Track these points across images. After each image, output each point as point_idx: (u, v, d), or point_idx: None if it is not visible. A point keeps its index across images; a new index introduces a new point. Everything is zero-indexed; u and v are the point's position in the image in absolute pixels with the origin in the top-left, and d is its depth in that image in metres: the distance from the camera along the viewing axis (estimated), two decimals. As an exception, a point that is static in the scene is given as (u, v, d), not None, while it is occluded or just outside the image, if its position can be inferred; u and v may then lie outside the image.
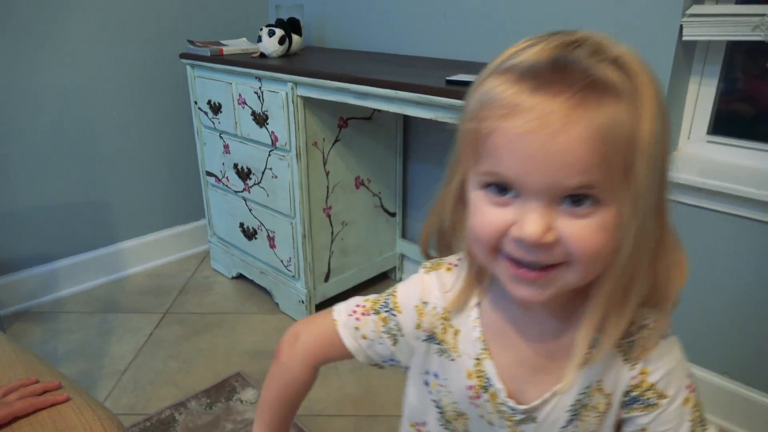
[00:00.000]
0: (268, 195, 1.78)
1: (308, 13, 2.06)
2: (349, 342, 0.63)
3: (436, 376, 0.61)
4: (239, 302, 1.99)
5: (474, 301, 0.58)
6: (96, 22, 1.88)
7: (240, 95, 1.73)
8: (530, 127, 0.42)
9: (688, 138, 1.43)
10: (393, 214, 2.00)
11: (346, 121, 1.72)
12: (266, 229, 1.84)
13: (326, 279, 1.84)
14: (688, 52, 1.32)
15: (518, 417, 0.57)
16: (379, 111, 1.80)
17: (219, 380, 1.57)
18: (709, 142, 1.41)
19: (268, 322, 1.87)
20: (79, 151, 1.95)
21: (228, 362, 1.66)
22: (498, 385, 0.56)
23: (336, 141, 1.72)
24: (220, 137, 1.89)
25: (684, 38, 1.26)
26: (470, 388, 0.58)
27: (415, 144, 1.94)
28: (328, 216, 1.78)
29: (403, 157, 1.97)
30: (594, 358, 0.52)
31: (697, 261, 1.38)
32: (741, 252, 1.28)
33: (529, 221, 0.44)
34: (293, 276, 1.81)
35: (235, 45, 1.89)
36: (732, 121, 1.41)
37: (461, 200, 0.54)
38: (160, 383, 1.58)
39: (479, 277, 0.58)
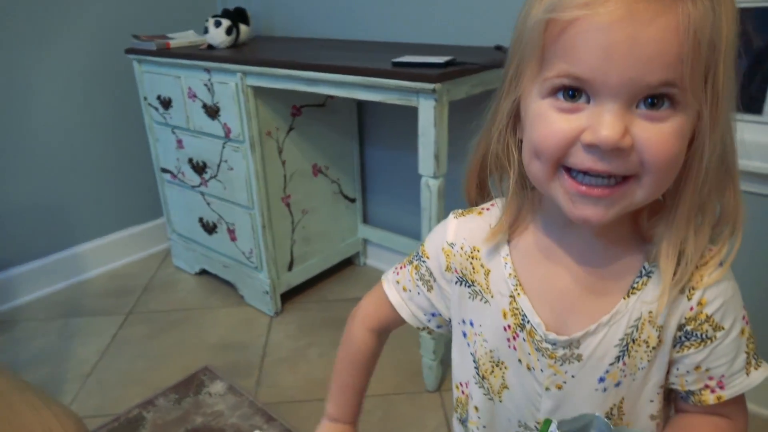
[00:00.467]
0: (225, 188, 1.77)
1: (256, 2, 2.05)
2: (393, 296, 0.65)
3: (471, 324, 0.59)
4: (204, 297, 1.98)
5: (504, 238, 0.56)
6: (37, 18, 1.83)
7: (189, 88, 1.71)
8: (618, 15, 0.39)
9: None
10: (353, 200, 2.02)
11: (299, 109, 1.72)
12: (226, 222, 1.83)
13: (290, 268, 1.85)
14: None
15: (560, 352, 0.53)
16: (332, 97, 1.80)
17: (187, 375, 1.57)
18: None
19: (233, 315, 1.87)
20: (27, 154, 1.90)
21: (195, 357, 1.66)
22: (535, 319, 0.53)
23: (290, 129, 1.72)
24: (173, 132, 1.86)
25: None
26: (507, 328, 0.55)
27: (372, 129, 1.96)
28: (288, 205, 1.78)
29: (360, 142, 1.98)
30: (681, 282, 0.48)
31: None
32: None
33: (605, 123, 0.41)
34: (256, 267, 1.81)
35: (183, 38, 1.86)
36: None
37: (513, 126, 0.51)
38: (127, 383, 1.57)
39: (522, 209, 0.55)
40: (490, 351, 0.57)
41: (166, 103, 1.82)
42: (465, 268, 0.58)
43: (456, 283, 0.59)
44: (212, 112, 1.67)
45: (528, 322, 0.54)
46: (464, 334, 0.60)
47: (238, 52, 1.66)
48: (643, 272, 0.51)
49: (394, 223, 2.00)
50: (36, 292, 2.01)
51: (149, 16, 2.09)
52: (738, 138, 0.47)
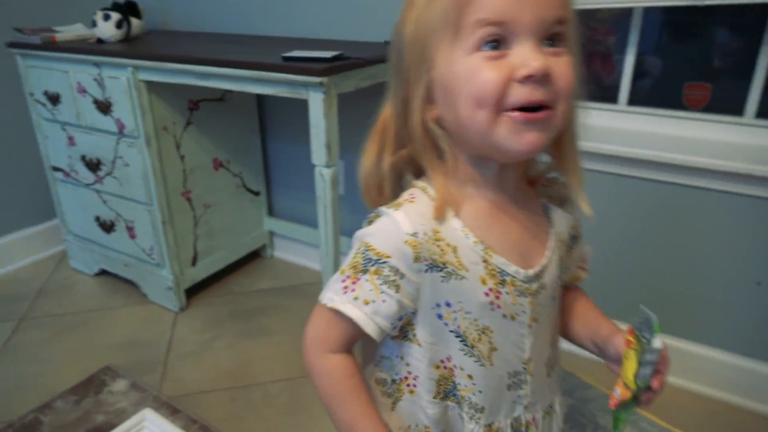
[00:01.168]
0: (121, 184, 1.73)
1: (148, -4, 2.01)
2: (355, 314, 0.58)
3: (448, 305, 0.59)
4: (104, 298, 1.93)
5: (450, 213, 0.59)
6: None
7: (79, 83, 1.66)
8: None
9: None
10: (257, 193, 2.04)
11: (197, 104, 1.72)
12: (124, 220, 1.80)
13: (193, 263, 1.84)
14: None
15: (534, 286, 0.61)
16: (230, 92, 1.82)
17: (86, 376, 1.54)
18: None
19: (136, 313, 1.84)
20: None
21: (96, 358, 1.62)
22: (512, 268, 0.60)
23: (188, 124, 1.72)
24: (63, 129, 1.80)
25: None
26: (488, 293, 0.59)
27: (273, 122, 1.99)
28: (189, 200, 1.78)
29: (262, 136, 2.01)
30: (572, 204, 0.65)
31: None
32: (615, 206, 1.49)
33: (533, 56, 0.50)
34: (158, 264, 1.79)
35: (71, 31, 1.81)
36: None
37: (427, 106, 0.58)
38: (21, 389, 1.51)
39: (447, 184, 0.60)
40: (475, 320, 0.60)
41: (55, 99, 1.76)
42: (434, 253, 0.58)
43: (426, 271, 0.58)
44: (104, 107, 1.63)
45: (507, 275, 0.60)
46: (439, 316, 0.60)
47: (129, 46, 1.64)
48: (545, 206, 0.66)
49: (299, 214, 2.05)
50: None
51: (35, 9, 2.00)
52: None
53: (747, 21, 1.35)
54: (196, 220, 1.81)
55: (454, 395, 0.63)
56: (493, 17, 0.50)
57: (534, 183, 0.66)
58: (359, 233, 0.61)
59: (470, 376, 0.62)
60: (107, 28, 1.67)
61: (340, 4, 1.65)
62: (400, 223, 0.58)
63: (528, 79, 0.50)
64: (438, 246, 0.58)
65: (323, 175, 1.29)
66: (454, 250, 0.58)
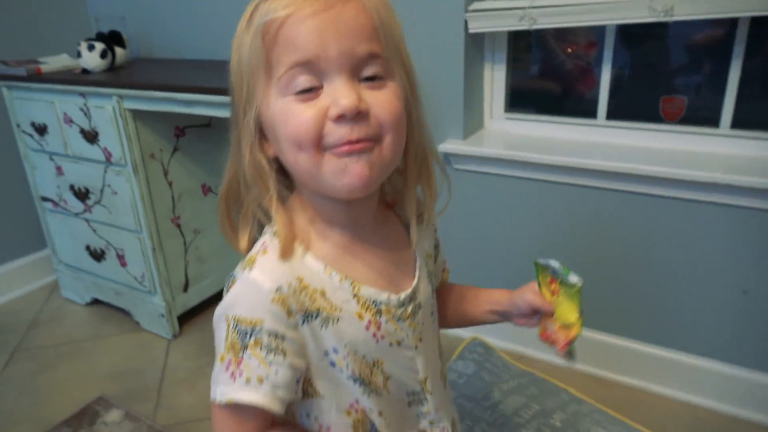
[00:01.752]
0: (110, 213, 1.74)
1: (132, 25, 2.03)
2: (256, 397, 0.53)
3: (335, 351, 0.57)
4: (96, 327, 1.92)
5: (300, 253, 0.57)
6: None
7: (65, 114, 1.67)
8: (318, 8, 0.49)
9: (491, 117, 1.64)
10: (247, 216, 2.04)
11: (183, 130, 1.73)
12: (114, 248, 1.80)
13: (185, 289, 1.85)
14: (477, 42, 1.52)
15: (410, 308, 0.61)
16: (217, 117, 1.83)
17: (80, 407, 1.53)
18: (507, 119, 1.63)
19: (128, 341, 1.84)
20: None
21: (89, 388, 1.62)
22: (383, 296, 0.59)
23: (175, 150, 1.73)
24: (51, 159, 1.81)
25: (470, 31, 1.45)
26: (368, 327, 0.58)
27: (259, 146, 2.00)
28: (178, 226, 1.78)
29: (249, 159, 2.02)
30: (430, 221, 0.67)
31: (511, 221, 1.59)
32: (546, 211, 1.51)
33: (341, 95, 0.50)
34: (149, 291, 1.79)
35: (56, 62, 1.82)
36: (524, 98, 1.64)
37: (260, 146, 0.57)
38: (12, 422, 1.51)
39: (292, 222, 0.58)
40: (364, 357, 0.59)
41: (42, 130, 1.77)
42: (304, 302, 0.55)
43: (303, 323, 0.55)
44: (91, 136, 1.64)
45: (380, 303, 0.59)
46: (332, 364, 0.57)
47: (114, 76, 1.65)
48: (406, 225, 0.67)
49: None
50: None
51: (20, 41, 2.01)
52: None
53: (719, 33, 1.39)
54: (186, 246, 1.82)
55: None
56: (298, 57, 0.50)
57: (392, 204, 0.67)
58: (220, 310, 0.55)
59: (381, 413, 0.60)
60: (92, 58, 1.69)
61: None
62: (259, 283, 0.53)
63: (341, 119, 0.50)
64: (306, 294, 0.55)
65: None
66: (323, 293, 0.56)
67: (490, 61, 1.58)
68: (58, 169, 1.81)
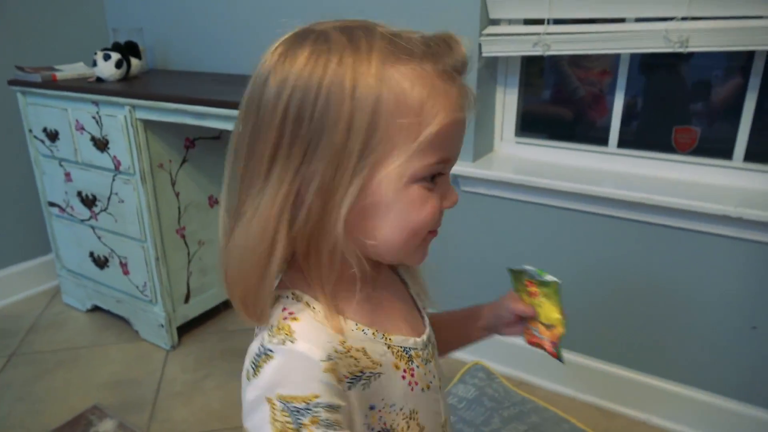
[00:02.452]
0: (116, 221, 1.74)
1: (150, 36, 2.05)
2: None
3: (372, 408, 0.54)
4: (95, 334, 1.91)
5: (340, 320, 0.53)
6: None
7: (77, 121, 1.69)
8: (464, 110, 0.51)
9: (501, 140, 1.64)
10: (252, 230, 2.04)
11: (193, 142, 1.74)
12: (118, 256, 1.80)
13: (186, 300, 1.83)
14: (490, 66, 1.52)
15: (430, 348, 0.61)
16: (227, 130, 1.84)
17: (73, 416, 1.51)
18: (518, 143, 1.62)
19: (127, 351, 1.82)
20: None
21: (84, 397, 1.60)
22: (410, 342, 0.58)
23: (184, 162, 1.73)
24: (60, 165, 1.82)
25: (483, 55, 1.45)
26: (404, 376, 0.56)
27: (268, 160, 2.00)
28: (183, 237, 1.78)
29: (258, 173, 2.02)
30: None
31: (518, 244, 1.58)
32: (554, 236, 1.50)
33: (453, 191, 0.53)
34: (150, 301, 1.78)
35: (72, 70, 1.84)
36: (536, 123, 1.64)
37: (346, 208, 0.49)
38: (6, 428, 1.49)
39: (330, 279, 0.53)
40: (401, 409, 0.56)
41: (53, 136, 1.78)
42: (350, 366, 0.51)
43: (349, 389, 0.51)
44: (101, 144, 1.65)
45: (410, 350, 0.57)
46: (367, 426, 0.54)
47: (128, 86, 1.67)
48: (398, 272, 0.68)
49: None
50: None
51: (38, 48, 2.04)
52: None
53: (734, 65, 1.38)
54: (189, 257, 1.81)
55: None
56: (447, 154, 0.50)
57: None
58: (258, 392, 0.48)
59: None
60: (107, 68, 1.70)
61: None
62: (309, 356, 0.48)
63: (448, 208, 0.53)
64: (351, 356, 0.51)
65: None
66: (364, 351, 0.53)
67: (502, 85, 1.58)
68: (67, 175, 1.81)
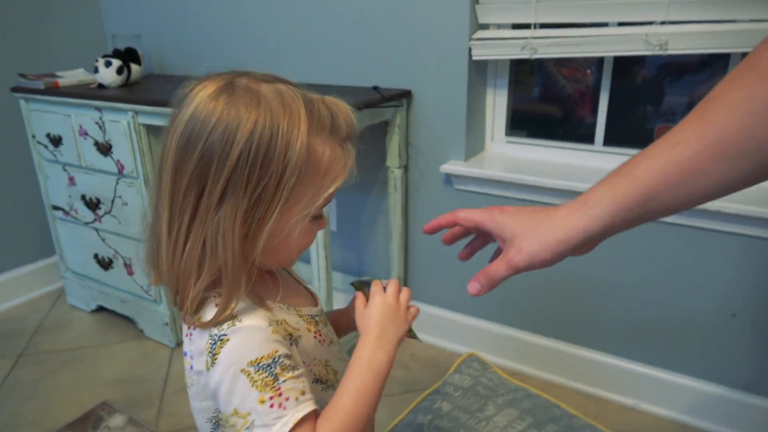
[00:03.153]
0: (120, 223, 1.79)
1: (146, 42, 2.10)
2: (310, 407, 0.58)
3: (304, 363, 0.65)
4: (101, 334, 1.96)
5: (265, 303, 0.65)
6: None
7: (80, 126, 1.73)
8: (348, 175, 0.65)
9: (492, 140, 1.70)
10: (251, 230, 2.09)
11: (194, 145, 1.79)
12: (122, 257, 1.85)
13: (189, 299, 1.88)
14: (480, 68, 1.58)
15: (323, 315, 0.76)
16: (226, 133, 1.89)
17: (83, 412, 1.57)
18: (507, 142, 1.68)
19: (132, 349, 1.87)
20: None
21: (92, 394, 1.65)
22: (313, 311, 0.73)
23: (185, 164, 1.78)
24: (64, 169, 1.86)
25: (474, 58, 1.51)
26: (315, 335, 0.70)
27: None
28: (185, 237, 1.83)
29: (256, 174, 2.07)
30: None
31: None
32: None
33: (322, 217, 0.68)
34: (155, 300, 1.83)
35: (72, 76, 1.88)
36: (525, 122, 1.70)
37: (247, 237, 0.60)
38: (17, 426, 1.54)
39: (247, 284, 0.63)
40: (319, 362, 0.70)
41: (56, 141, 1.83)
42: (282, 331, 0.63)
43: (291, 344, 0.64)
44: (104, 149, 1.70)
45: (315, 316, 0.73)
46: (310, 374, 0.67)
47: (130, 91, 1.72)
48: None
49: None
50: None
51: (37, 55, 2.08)
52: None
53: (715, 64, 1.45)
54: (192, 257, 1.86)
55: None
56: (331, 196, 0.63)
57: None
58: (230, 369, 0.57)
59: None
60: (108, 74, 1.75)
61: (328, 51, 1.74)
62: (257, 326, 0.59)
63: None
64: (280, 325, 0.63)
65: (315, 214, 1.36)
66: (285, 322, 0.65)
67: (492, 87, 1.64)
68: (71, 179, 1.86)
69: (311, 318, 0.71)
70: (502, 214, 0.63)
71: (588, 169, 1.52)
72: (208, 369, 0.59)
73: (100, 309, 2.07)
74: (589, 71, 1.64)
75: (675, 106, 1.54)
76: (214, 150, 0.56)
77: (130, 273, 1.85)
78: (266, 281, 0.67)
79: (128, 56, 1.84)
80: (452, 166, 1.59)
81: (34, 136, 1.90)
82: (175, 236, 0.60)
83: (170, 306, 1.81)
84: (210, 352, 0.58)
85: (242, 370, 0.56)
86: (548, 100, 1.74)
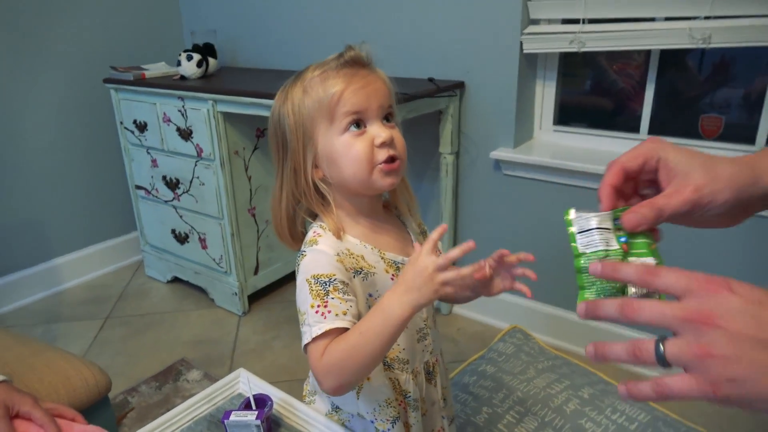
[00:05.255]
0: (197, 201, 1.99)
1: (221, 37, 2.29)
2: (344, 324, 0.71)
3: (370, 295, 0.79)
4: (177, 302, 2.18)
5: (342, 234, 0.81)
6: (17, 51, 2.02)
7: (165, 114, 1.94)
8: (365, 80, 0.77)
9: (540, 128, 1.80)
10: (312, 211, 2.26)
11: (263, 131, 1.97)
12: (197, 232, 2.05)
13: (255, 272, 2.07)
14: (530, 61, 1.68)
15: None
16: (291, 121, 2.06)
17: (165, 366, 1.77)
18: (555, 131, 1.78)
19: (205, 316, 2.08)
20: (10, 174, 2.08)
21: (171, 352, 1.86)
22: (399, 258, 0.83)
23: (255, 149, 1.96)
24: (148, 153, 2.08)
25: (524, 51, 1.62)
26: (393, 278, 0.81)
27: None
28: (253, 216, 2.01)
29: (317, 160, 2.24)
30: (413, 217, 0.91)
31: (555, 224, 1.74)
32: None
33: (380, 131, 0.76)
34: (225, 272, 2.02)
35: (156, 69, 2.09)
36: (571, 112, 1.79)
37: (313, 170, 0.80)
38: (110, 375, 1.75)
39: (340, 212, 0.82)
40: None
41: (142, 127, 2.04)
42: (353, 263, 0.78)
43: (354, 277, 0.78)
44: (185, 134, 1.90)
45: (399, 263, 0.83)
46: (368, 306, 0.79)
47: (209, 83, 1.90)
48: (398, 217, 0.90)
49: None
50: (18, 301, 2.16)
51: (124, 50, 2.31)
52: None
53: (760, 57, 1.50)
54: (258, 234, 2.05)
55: (386, 363, 0.83)
56: (354, 109, 0.75)
57: (387, 207, 0.91)
58: (300, 276, 0.76)
59: (400, 346, 0.83)
60: (190, 67, 1.95)
61: (389, 46, 1.87)
62: (325, 251, 0.76)
63: (383, 145, 0.76)
64: (353, 258, 0.78)
65: (374, 194, 1.50)
66: (362, 257, 0.79)
67: (541, 78, 1.74)
68: (154, 161, 2.07)
69: (394, 263, 0.82)
70: (669, 149, 0.56)
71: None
72: (296, 273, 0.78)
73: (175, 280, 2.29)
74: (636, 64, 1.71)
75: (718, 98, 1.60)
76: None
77: (204, 247, 2.05)
78: (361, 223, 0.82)
79: (206, 50, 2.03)
80: (501, 153, 1.70)
81: (122, 123, 2.12)
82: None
83: (239, 278, 2.00)
84: (297, 262, 0.78)
85: (306, 280, 0.74)
86: (595, 92, 1.82)
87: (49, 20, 2.08)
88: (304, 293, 0.74)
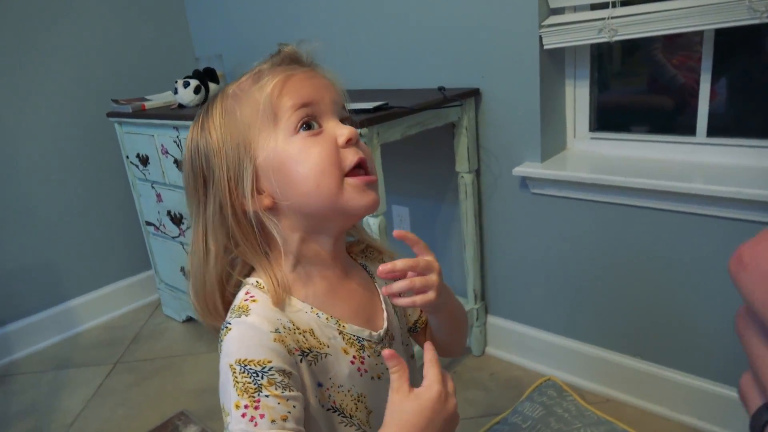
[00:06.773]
0: (200, 237, 1.84)
1: (228, 62, 2.17)
2: None
3: (320, 385, 0.60)
4: (190, 344, 2.04)
5: (287, 297, 0.61)
6: (20, 88, 1.97)
7: (162, 145, 1.81)
8: (309, 75, 0.63)
9: (574, 137, 1.52)
10: (329, 241, 2.07)
11: (265, 158, 1.80)
12: (203, 270, 1.90)
13: (266, 311, 1.90)
14: (555, 59, 1.42)
15: (386, 342, 0.66)
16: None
17: (163, 420, 1.61)
18: (592, 138, 1.50)
19: (214, 359, 1.90)
20: (20, 216, 2.02)
21: (174, 403, 1.70)
22: (365, 333, 0.64)
23: (258, 178, 1.80)
24: (152, 187, 1.97)
25: (545, 47, 1.36)
26: (353, 361, 0.62)
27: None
28: (260, 250, 1.84)
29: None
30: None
31: (595, 250, 1.47)
32: (634, 240, 1.36)
33: (341, 128, 0.61)
34: (233, 312, 1.86)
35: (159, 99, 1.99)
36: (613, 116, 1.51)
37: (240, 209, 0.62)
38: (107, 431, 1.62)
39: (288, 262, 0.63)
40: (349, 391, 0.62)
41: (144, 161, 1.93)
42: (298, 341, 0.59)
43: (300, 361, 0.58)
44: (182, 166, 1.76)
45: (363, 340, 0.64)
46: (318, 402, 0.60)
47: (204, 109, 1.76)
48: (364, 266, 0.72)
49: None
50: (32, 346, 2.09)
51: (132, 80, 2.23)
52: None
53: None
54: (268, 269, 1.88)
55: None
56: (302, 101, 0.59)
57: (350, 252, 0.72)
58: (224, 359, 0.56)
59: None
60: (186, 94, 1.82)
61: (396, 56, 1.67)
62: (258, 326, 0.57)
63: (348, 143, 0.60)
64: (299, 335, 0.59)
65: (370, 225, 1.28)
66: (311, 332, 0.60)
67: (571, 78, 1.47)
68: (158, 196, 1.96)
69: (357, 340, 0.63)
70: None
71: (689, 165, 1.31)
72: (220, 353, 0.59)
73: (190, 319, 2.16)
74: (686, 55, 1.41)
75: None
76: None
77: (212, 285, 1.90)
78: (315, 280, 0.64)
79: (207, 75, 1.90)
80: (526, 168, 1.44)
81: (127, 157, 2.03)
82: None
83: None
84: (219, 339, 0.60)
85: (230, 365, 0.55)
86: (640, 91, 1.53)
87: (56, 53, 2.03)
88: (227, 385, 0.55)
